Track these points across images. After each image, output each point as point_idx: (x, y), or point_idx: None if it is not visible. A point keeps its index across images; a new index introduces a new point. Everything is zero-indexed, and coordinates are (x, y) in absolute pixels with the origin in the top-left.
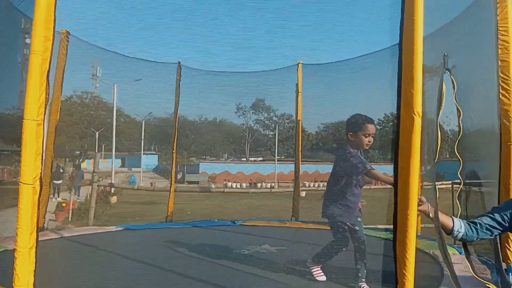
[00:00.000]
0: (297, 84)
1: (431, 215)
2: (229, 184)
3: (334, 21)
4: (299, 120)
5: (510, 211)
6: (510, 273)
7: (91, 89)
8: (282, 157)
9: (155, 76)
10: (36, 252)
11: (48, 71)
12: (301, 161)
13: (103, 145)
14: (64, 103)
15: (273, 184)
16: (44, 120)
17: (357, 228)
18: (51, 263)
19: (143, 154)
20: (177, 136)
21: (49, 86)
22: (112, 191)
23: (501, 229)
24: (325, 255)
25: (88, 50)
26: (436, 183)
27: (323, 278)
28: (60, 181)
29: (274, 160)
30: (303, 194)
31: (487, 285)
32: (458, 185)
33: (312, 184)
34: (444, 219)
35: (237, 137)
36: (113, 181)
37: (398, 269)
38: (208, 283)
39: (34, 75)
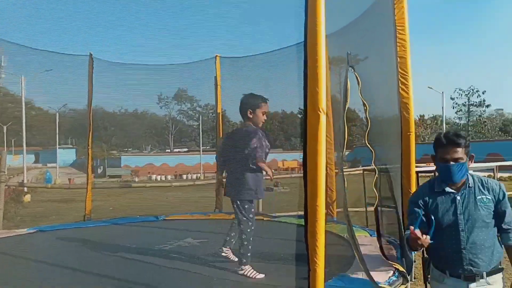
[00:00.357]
0: (215, 77)
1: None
2: (154, 176)
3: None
4: (219, 112)
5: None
6: (413, 252)
7: None
8: (208, 147)
9: (66, 68)
10: None
11: None
12: None
13: (12, 140)
14: None
15: (199, 175)
16: None
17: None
18: None
19: (59, 148)
20: (92, 129)
21: None
22: (25, 189)
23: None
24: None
25: None
26: (351, 169)
27: (261, 275)
28: None
29: (199, 151)
30: None
31: (393, 264)
32: (371, 172)
33: None
34: None
35: (160, 128)
36: (25, 179)
37: (310, 257)
38: (128, 282)
39: None
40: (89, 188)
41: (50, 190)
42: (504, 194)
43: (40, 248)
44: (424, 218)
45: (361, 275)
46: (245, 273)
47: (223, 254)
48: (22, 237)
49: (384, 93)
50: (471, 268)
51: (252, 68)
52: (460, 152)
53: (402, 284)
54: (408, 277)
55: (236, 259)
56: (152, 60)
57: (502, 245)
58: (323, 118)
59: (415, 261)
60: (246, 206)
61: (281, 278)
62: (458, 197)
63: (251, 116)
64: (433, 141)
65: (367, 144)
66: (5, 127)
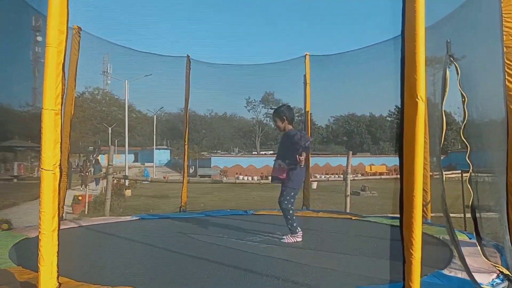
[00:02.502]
0: (304, 76)
1: None
2: (241, 177)
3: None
4: (308, 111)
5: None
6: None
7: (102, 85)
8: None
9: (164, 71)
10: (58, 234)
11: (63, 64)
12: (312, 153)
13: (116, 141)
14: (77, 99)
15: None
16: (61, 111)
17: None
18: (71, 248)
19: (156, 149)
20: (188, 128)
21: (64, 78)
22: (127, 184)
23: None
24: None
25: (99, 45)
26: (447, 172)
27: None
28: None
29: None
30: (314, 186)
31: (497, 267)
32: (467, 172)
33: (323, 176)
34: None
35: (247, 131)
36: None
37: (405, 249)
38: (223, 266)
39: (50, 66)
40: (185, 182)
41: (148, 186)
42: None
43: (143, 232)
44: None
45: (459, 274)
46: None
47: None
48: (128, 223)
49: (487, 93)
50: None
51: (339, 67)
52: None
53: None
54: None
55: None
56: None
57: None
58: (421, 106)
59: None
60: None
61: (375, 272)
62: None
63: (280, 124)
64: None
65: (463, 138)
66: (110, 129)
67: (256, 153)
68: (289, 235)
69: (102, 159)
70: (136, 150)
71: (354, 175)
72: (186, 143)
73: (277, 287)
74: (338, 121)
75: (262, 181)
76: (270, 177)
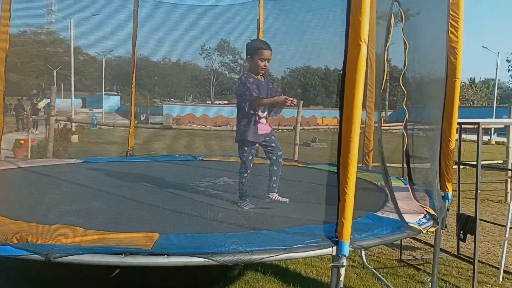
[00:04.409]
0: (258, 20)
1: None
2: (194, 126)
3: None
4: None
5: None
6: (447, 200)
7: (46, 24)
8: None
9: (114, 10)
10: None
11: None
12: None
13: (62, 84)
14: (18, 38)
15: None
16: None
17: (273, 144)
18: (7, 188)
19: (105, 94)
20: (135, 72)
21: None
22: (73, 128)
23: None
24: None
25: None
26: (392, 123)
27: (285, 199)
28: (36, 116)
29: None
30: None
31: (425, 208)
32: (395, 125)
33: (276, 128)
34: None
35: (202, 79)
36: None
37: (340, 188)
38: (168, 210)
39: None
40: (132, 126)
41: (95, 132)
42: None
43: (85, 175)
44: None
45: (391, 215)
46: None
47: (268, 200)
48: (70, 165)
49: (434, 52)
50: None
51: (296, 13)
52: None
53: (432, 226)
54: (440, 223)
55: (283, 199)
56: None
57: None
58: (364, 48)
59: (448, 210)
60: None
61: (311, 214)
62: None
63: (249, 63)
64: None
65: (402, 86)
66: (55, 71)
67: (210, 102)
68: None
69: (46, 103)
70: (84, 95)
71: (304, 126)
72: (133, 85)
73: (216, 229)
74: (294, 73)
75: (214, 129)
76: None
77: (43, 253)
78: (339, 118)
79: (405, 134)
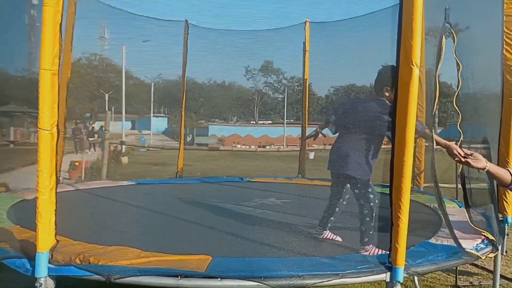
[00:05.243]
0: (304, 43)
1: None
2: (238, 146)
3: None
4: (306, 79)
5: None
6: (506, 224)
7: (99, 51)
8: (291, 120)
9: (162, 36)
10: (56, 193)
11: (61, 24)
12: (309, 123)
13: (113, 108)
14: (73, 65)
15: (280, 147)
16: (58, 71)
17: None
18: (68, 210)
19: (153, 116)
20: (185, 95)
21: (61, 38)
22: (123, 150)
23: None
24: (326, 216)
25: (95, 7)
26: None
27: (339, 238)
28: (93, 138)
29: (283, 123)
30: (311, 156)
31: (482, 233)
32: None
33: (321, 147)
34: (500, 171)
35: (246, 100)
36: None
37: (394, 212)
38: (219, 232)
39: (47, 26)
40: (181, 148)
41: (144, 154)
42: None
43: (139, 197)
44: None
45: (446, 241)
46: (322, 236)
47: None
48: (124, 187)
49: (485, 63)
50: None
51: (343, 35)
52: None
53: (491, 252)
54: (499, 248)
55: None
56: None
57: None
58: (416, 72)
59: (507, 235)
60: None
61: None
62: None
63: (387, 94)
64: None
65: (455, 106)
66: (107, 95)
67: (254, 122)
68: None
69: (100, 127)
70: (133, 118)
71: None
72: (183, 109)
73: (267, 252)
74: (338, 91)
75: (259, 149)
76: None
77: (104, 274)
78: (391, 141)
79: None
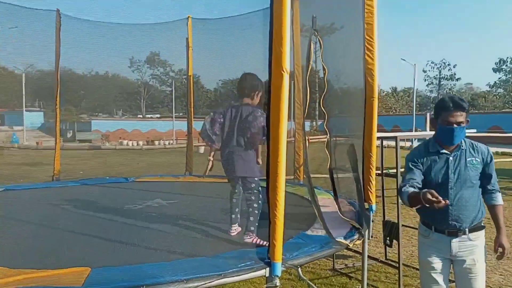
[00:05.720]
0: (187, 39)
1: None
2: (125, 142)
3: None
4: (191, 75)
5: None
6: (371, 211)
7: None
8: (181, 114)
9: (32, 25)
10: None
11: None
12: (197, 117)
13: None
14: None
15: (171, 142)
16: None
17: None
18: None
19: (26, 110)
20: (60, 89)
21: None
22: None
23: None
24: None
25: None
26: (321, 136)
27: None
28: None
29: (172, 117)
30: (201, 150)
31: (349, 222)
32: (325, 137)
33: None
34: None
35: (132, 93)
36: None
37: (270, 211)
38: (99, 240)
39: None
40: (57, 148)
41: (17, 153)
42: (491, 158)
43: (6, 206)
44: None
45: (320, 232)
46: (253, 241)
47: (232, 233)
48: None
49: (354, 64)
50: (455, 223)
51: (224, 32)
52: (463, 116)
53: (358, 239)
54: (366, 234)
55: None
56: (123, 20)
57: (485, 205)
58: (286, 78)
59: (373, 221)
60: (256, 180)
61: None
62: (451, 158)
63: (255, 98)
64: (434, 104)
65: (322, 107)
66: None
67: (141, 116)
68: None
69: None
70: (2, 112)
71: None
72: (57, 106)
73: (150, 258)
74: (227, 84)
75: (145, 147)
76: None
77: None
78: (266, 144)
79: (328, 152)
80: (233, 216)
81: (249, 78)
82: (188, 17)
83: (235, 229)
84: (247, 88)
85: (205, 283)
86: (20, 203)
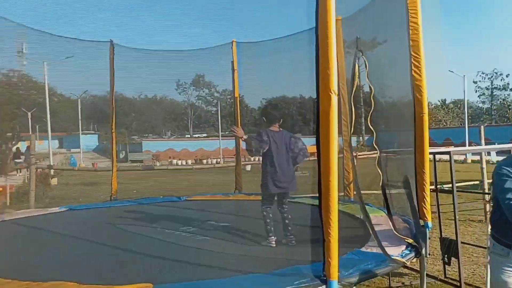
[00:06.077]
0: (232, 62)
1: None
2: (174, 161)
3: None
4: (237, 97)
5: None
6: (427, 228)
7: (17, 66)
8: (226, 132)
9: (87, 54)
10: None
11: None
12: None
13: (37, 126)
14: None
15: (219, 160)
16: None
17: None
18: None
19: (82, 134)
20: (115, 114)
21: None
22: (52, 173)
23: None
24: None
25: (13, 28)
26: (370, 152)
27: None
28: (20, 160)
29: (218, 136)
30: (248, 168)
31: (405, 239)
32: (374, 153)
33: (257, 158)
34: None
35: (179, 113)
36: (51, 163)
37: (324, 229)
38: (158, 258)
39: None
40: (114, 170)
41: (75, 174)
42: None
43: (72, 225)
44: None
45: (375, 250)
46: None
47: (273, 244)
48: (55, 215)
49: (398, 77)
50: None
51: (268, 53)
52: None
53: (415, 257)
54: (423, 252)
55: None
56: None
57: None
58: (334, 99)
59: (429, 238)
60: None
61: (298, 253)
62: None
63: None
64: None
65: (369, 125)
66: (29, 113)
67: (189, 136)
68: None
69: (23, 146)
70: (60, 136)
71: None
72: (113, 130)
73: (208, 274)
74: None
75: (195, 167)
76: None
77: None
78: (317, 164)
79: (379, 170)
80: (269, 227)
81: (278, 107)
82: (233, 41)
83: (273, 239)
84: (278, 117)
85: None
86: (84, 222)
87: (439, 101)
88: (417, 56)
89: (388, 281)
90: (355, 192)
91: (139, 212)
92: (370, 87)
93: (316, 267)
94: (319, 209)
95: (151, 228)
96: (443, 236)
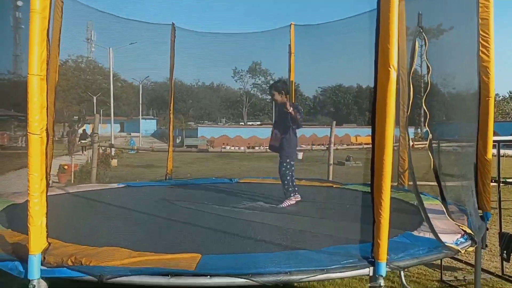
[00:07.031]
0: (289, 45)
1: None
2: (228, 147)
3: None
4: (292, 81)
5: None
6: (487, 219)
7: (86, 53)
8: None
9: (149, 39)
10: (46, 196)
11: (48, 30)
12: None
13: (101, 110)
14: (60, 67)
15: None
16: (46, 76)
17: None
18: (58, 213)
19: (142, 118)
20: (173, 98)
21: (49, 44)
22: (113, 153)
23: None
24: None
25: (82, 11)
26: (425, 142)
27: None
28: (86, 140)
29: (272, 124)
30: (300, 156)
31: (461, 227)
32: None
33: (309, 147)
34: None
35: (234, 101)
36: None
37: (375, 209)
38: (208, 231)
39: (34, 33)
40: (170, 151)
41: (134, 156)
42: None
43: (129, 199)
44: None
45: (427, 235)
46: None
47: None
48: (114, 190)
49: (464, 67)
50: None
51: (327, 36)
52: None
53: (470, 246)
54: (480, 243)
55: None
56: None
57: None
58: (393, 75)
59: (488, 229)
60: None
61: (347, 233)
62: None
63: (280, 96)
64: None
65: (424, 106)
66: (95, 98)
67: (243, 123)
68: (285, 200)
69: (87, 129)
70: (122, 120)
71: (338, 145)
72: (171, 112)
73: (255, 249)
74: (326, 92)
75: (248, 151)
76: (268, 146)
77: (96, 274)
78: (371, 141)
79: (430, 153)
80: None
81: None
82: (291, 24)
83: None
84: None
85: (309, 277)
86: (140, 197)
87: (508, 93)
88: (486, 35)
89: (439, 274)
90: (410, 182)
91: (192, 190)
92: (428, 66)
93: (365, 247)
94: (371, 188)
95: (202, 204)
96: (502, 231)
